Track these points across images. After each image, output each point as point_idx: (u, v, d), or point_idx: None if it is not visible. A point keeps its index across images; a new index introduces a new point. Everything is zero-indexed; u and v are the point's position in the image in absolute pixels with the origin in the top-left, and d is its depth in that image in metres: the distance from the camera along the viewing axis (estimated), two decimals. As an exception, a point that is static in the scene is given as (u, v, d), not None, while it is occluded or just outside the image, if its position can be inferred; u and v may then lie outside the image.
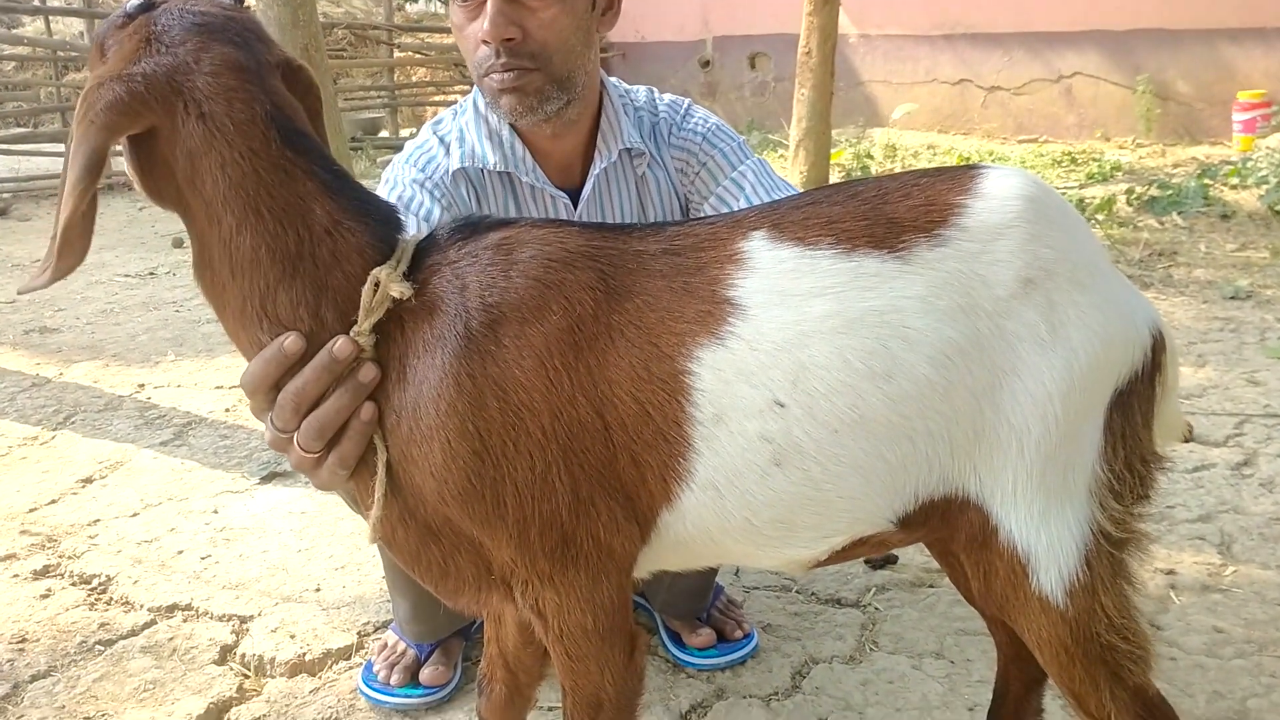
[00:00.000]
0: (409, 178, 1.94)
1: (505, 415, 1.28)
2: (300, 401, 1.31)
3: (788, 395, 1.25)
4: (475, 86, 1.97)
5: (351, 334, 1.31)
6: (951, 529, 1.34)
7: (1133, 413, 1.32)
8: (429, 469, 1.30)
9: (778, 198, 1.92)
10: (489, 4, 1.75)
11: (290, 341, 1.30)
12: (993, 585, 1.34)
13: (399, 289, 1.30)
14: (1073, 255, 1.29)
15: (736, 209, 1.95)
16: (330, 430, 1.31)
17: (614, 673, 1.40)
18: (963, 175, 1.33)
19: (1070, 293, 1.27)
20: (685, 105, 2.14)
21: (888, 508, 1.31)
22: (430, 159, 1.97)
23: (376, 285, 1.31)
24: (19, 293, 1.42)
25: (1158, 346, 1.34)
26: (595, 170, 1.98)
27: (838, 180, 8.25)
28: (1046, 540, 1.28)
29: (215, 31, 1.31)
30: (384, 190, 1.97)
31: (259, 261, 1.30)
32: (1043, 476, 1.27)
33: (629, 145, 2.00)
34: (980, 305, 1.25)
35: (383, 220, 1.39)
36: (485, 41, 1.78)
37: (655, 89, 2.19)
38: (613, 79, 2.16)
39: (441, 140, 1.99)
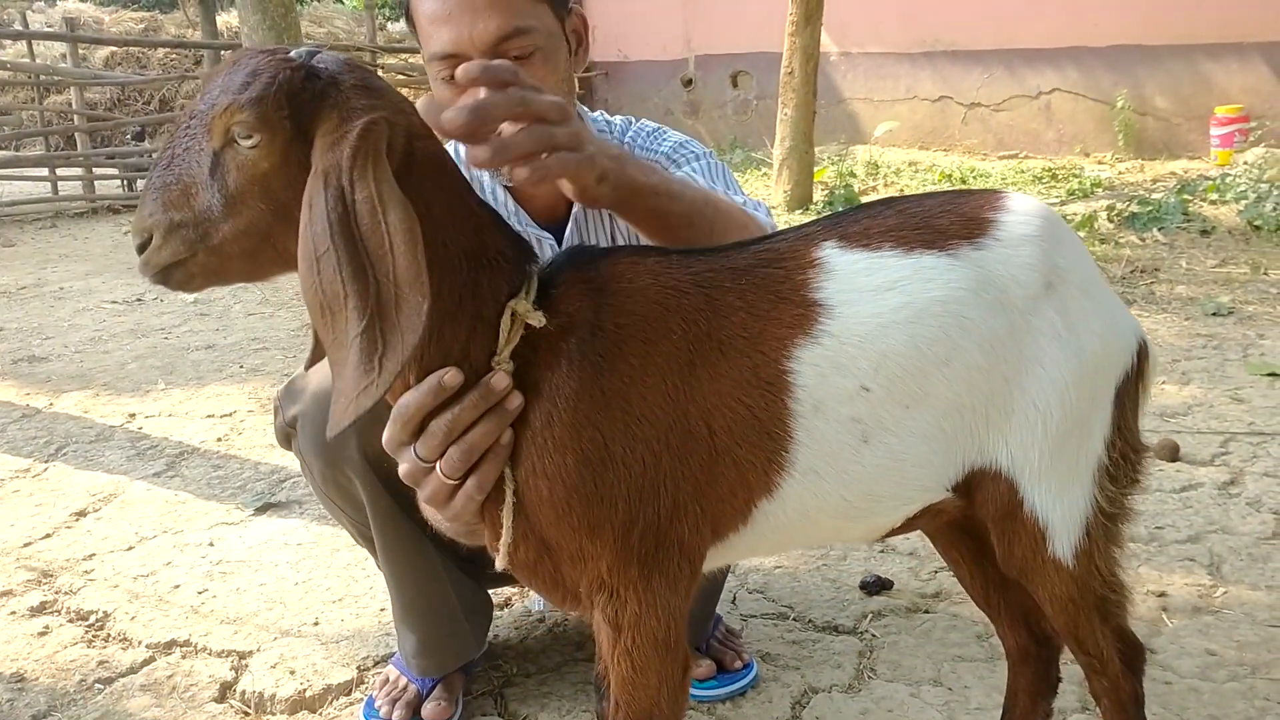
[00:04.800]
0: None
1: (628, 426, 1.39)
2: (453, 430, 1.36)
3: (872, 380, 1.41)
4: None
5: (493, 363, 1.37)
6: (985, 498, 1.51)
7: (1124, 408, 1.53)
8: (560, 476, 1.38)
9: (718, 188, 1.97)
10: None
11: (449, 376, 1.35)
12: (1015, 551, 1.52)
13: (536, 319, 1.38)
14: (1080, 269, 1.50)
15: None
16: (475, 456, 1.37)
17: (670, 688, 1.48)
18: (991, 196, 1.53)
19: (1079, 299, 1.47)
20: (656, 129, 2.15)
21: (945, 475, 1.49)
22: None
23: (513, 315, 1.38)
24: (338, 429, 1.26)
25: (1142, 353, 1.55)
26: (575, 210, 2.00)
27: (824, 198, 8.31)
28: (1060, 512, 1.49)
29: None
30: None
31: (440, 296, 1.33)
32: (1059, 455, 1.47)
33: None
34: (1014, 302, 1.44)
35: (524, 251, 1.46)
36: None
37: (635, 118, 2.20)
38: (595, 112, 2.18)
39: None
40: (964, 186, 8.95)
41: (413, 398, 1.36)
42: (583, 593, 1.47)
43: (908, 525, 1.57)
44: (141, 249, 1.33)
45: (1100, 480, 1.50)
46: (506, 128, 1.43)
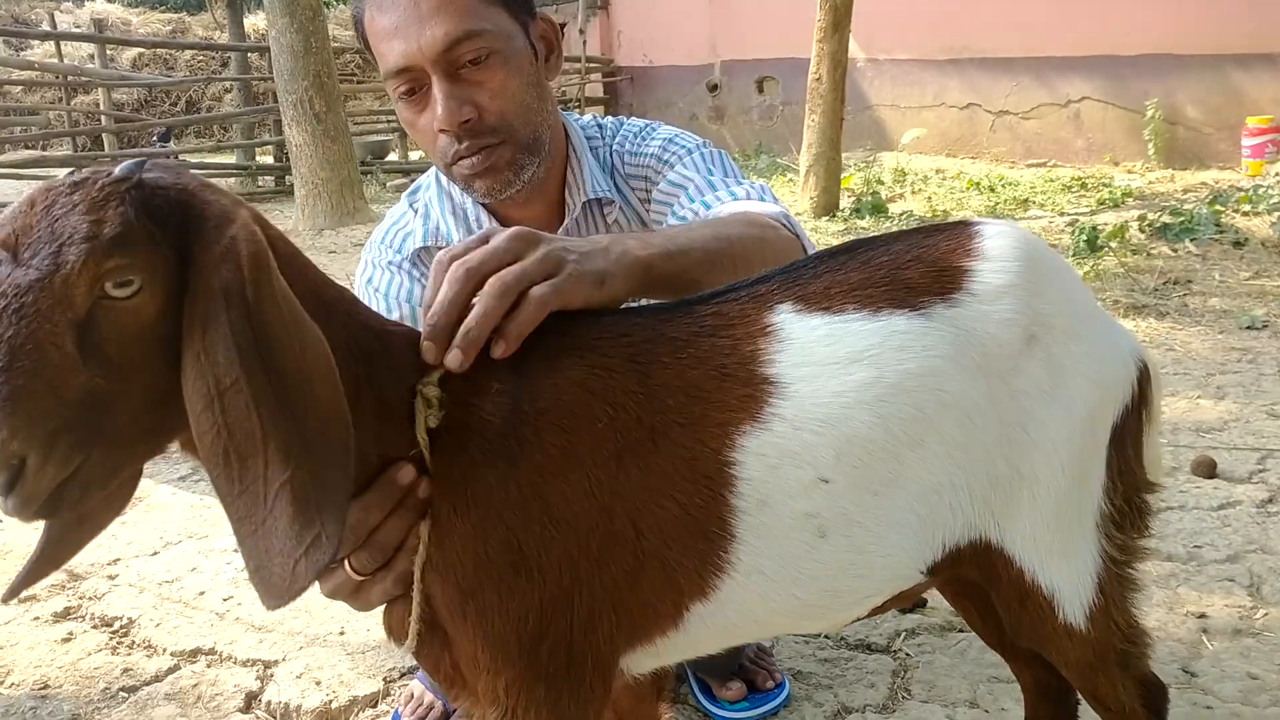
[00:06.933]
0: (384, 260, 1.92)
1: (544, 528, 1.21)
2: (361, 531, 1.22)
3: (832, 470, 1.24)
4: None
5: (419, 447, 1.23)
6: (983, 573, 1.38)
7: (1125, 447, 1.39)
8: (455, 578, 1.23)
9: (717, 195, 1.83)
10: (435, 91, 1.69)
11: (404, 472, 1.21)
12: (1023, 622, 1.41)
13: (435, 401, 1.23)
14: (1066, 308, 1.35)
15: (680, 211, 1.86)
16: (389, 553, 1.25)
17: None
18: (963, 237, 1.36)
19: (1066, 344, 1.32)
20: (644, 127, 2.03)
21: (919, 560, 1.33)
22: (406, 235, 1.94)
23: (427, 400, 1.23)
24: (274, 604, 1.10)
25: (1143, 378, 1.41)
26: (560, 231, 1.88)
27: (851, 204, 8.26)
28: (1067, 576, 1.36)
29: None
30: (360, 274, 1.95)
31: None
32: (1058, 519, 1.33)
33: (593, 196, 1.91)
34: (993, 364, 1.29)
35: (407, 329, 1.32)
36: (443, 130, 1.72)
37: (626, 118, 2.09)
38: (586, 116, 2.08)
39: (416, 211, 1.98)
40: (990, 195, 8.88)
41: (359, 513, 1.21)
42: (477, 699, 1.30)
43: (875, 611, 1.43)
44: (10, 484, 0.98)
45: (1106, 530, 1.38)
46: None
